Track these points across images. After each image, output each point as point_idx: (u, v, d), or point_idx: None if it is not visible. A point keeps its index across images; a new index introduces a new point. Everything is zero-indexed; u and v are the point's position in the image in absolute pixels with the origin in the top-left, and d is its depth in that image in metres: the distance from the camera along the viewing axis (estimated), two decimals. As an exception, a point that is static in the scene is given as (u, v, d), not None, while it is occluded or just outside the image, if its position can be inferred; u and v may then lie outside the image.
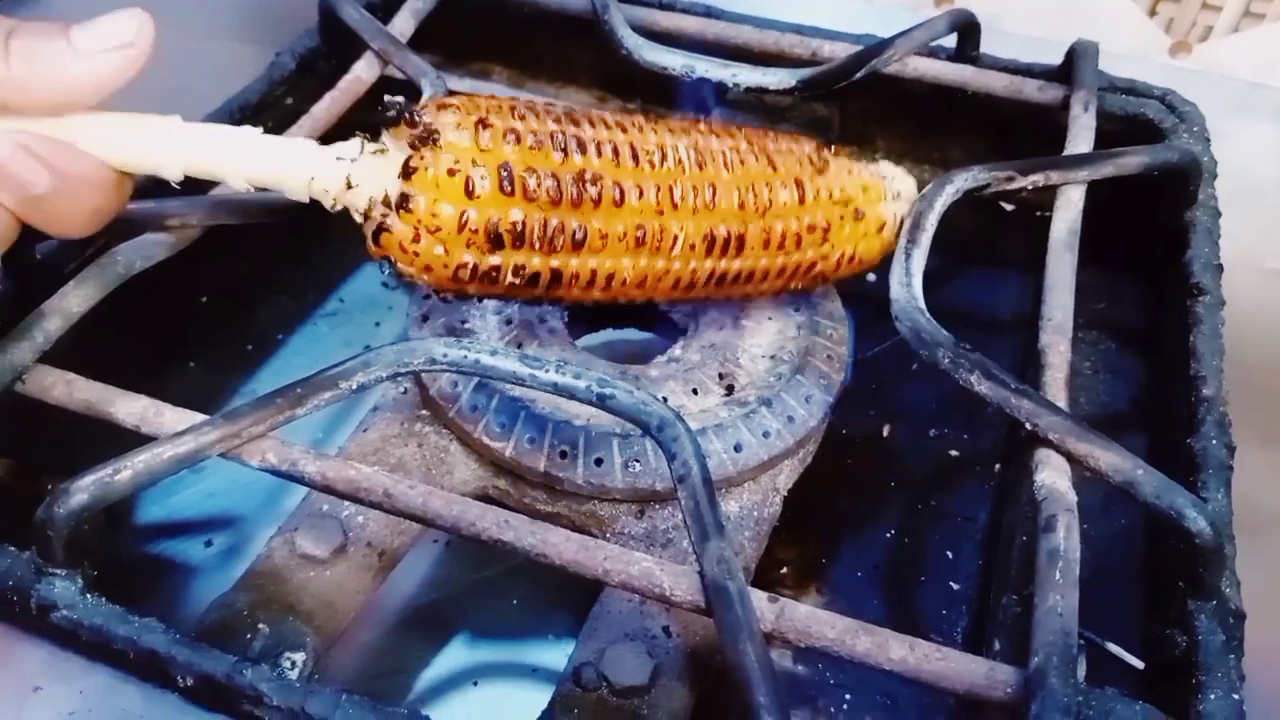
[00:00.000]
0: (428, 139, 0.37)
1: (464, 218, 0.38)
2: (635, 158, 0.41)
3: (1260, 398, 0.50)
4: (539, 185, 0.39)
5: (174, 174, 0.37)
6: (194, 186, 0.52)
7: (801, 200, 0.45)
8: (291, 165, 0.37)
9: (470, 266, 0.39)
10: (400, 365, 0.40)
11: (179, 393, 0.41)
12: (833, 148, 0.47)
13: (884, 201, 0.48)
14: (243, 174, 0.37)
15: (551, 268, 0.40)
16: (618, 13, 0.60)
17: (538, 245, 0.39)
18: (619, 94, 0.73)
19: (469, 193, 0.38)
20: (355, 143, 0.38)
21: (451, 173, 0.37)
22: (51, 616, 0.36)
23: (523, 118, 0.39)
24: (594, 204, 0.40)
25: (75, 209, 0.36)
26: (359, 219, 0.39)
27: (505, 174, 0.38)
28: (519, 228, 0.39)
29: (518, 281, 0.40)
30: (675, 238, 0.42)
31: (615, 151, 0.41)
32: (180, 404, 0.40)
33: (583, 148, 0.40)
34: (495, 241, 0.38)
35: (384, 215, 0.38)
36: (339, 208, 0.38)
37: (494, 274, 0.39)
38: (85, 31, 0.34)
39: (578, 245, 0.40)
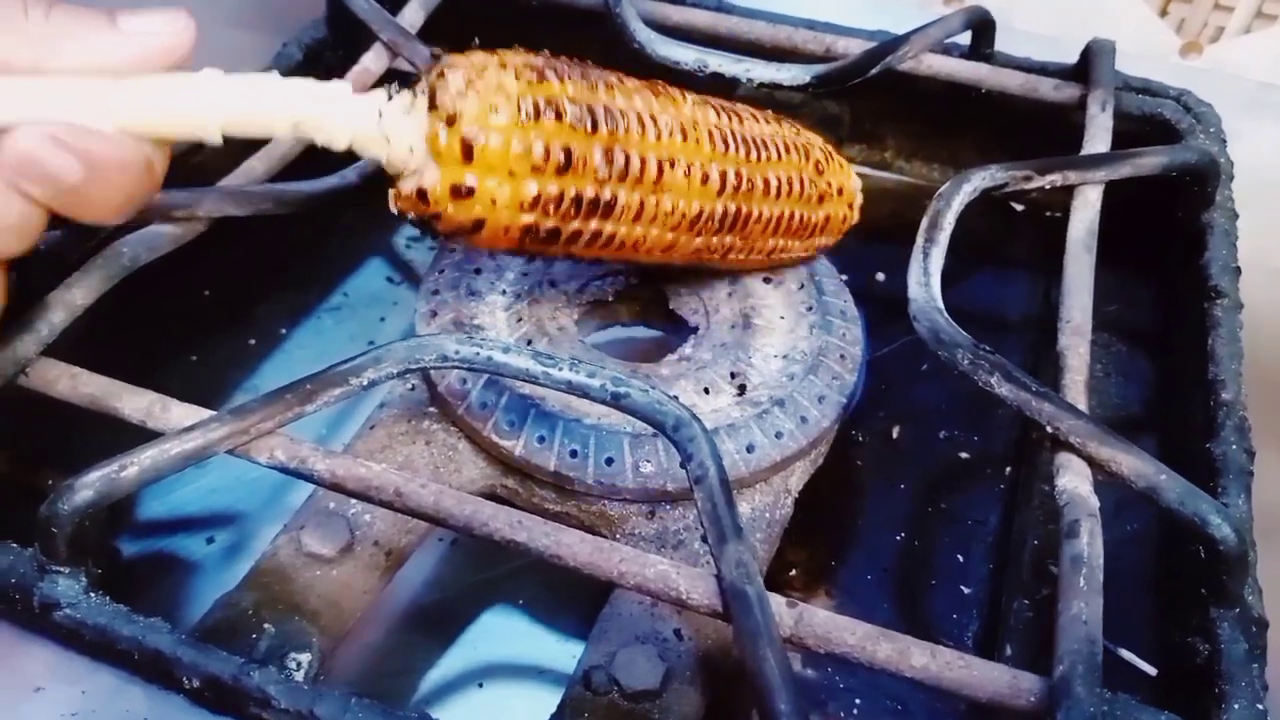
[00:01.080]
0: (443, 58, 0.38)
1: (506, 62, 0.38)
2: (622, 80, 0.43)
3: (1276, 399, 0.49)
4: (561, 65, 0.40)
5: (214, 133, 0.35)
6: (201, 177, 0.53)
7: (779, 122, 0.49)
8: (331, 97, 0.36)
9: (534, 105, 0.38)
10: (412, 361, 0.39)
11: (180, 387, 0.41)
12: None
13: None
14: (286, 117, 0.36)
15: (604, 105, 0.40)
16: (630, 6, 0.59)
17: (585, 93, 0.40)
18: (626, 89, 0.72)
19: (503, 63, 0.38)
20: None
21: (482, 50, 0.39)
22: (54, 615, 0.35)
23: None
24: (612, 88, 0.41)
25: (109, 196, 0.34)
26: (399, 144, 0.37)
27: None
28: (562, 72, 0.39)
29: (588, 128, 0.39)
30: (696, 121, 0.43)
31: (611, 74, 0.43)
32: (181, 398, 0.39)
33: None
34: (540, 78, 0.39)
35: (432, 80, 0.37)
36: (384, 121, 0.37)
37: (558, 111, 0.39)
38: (131, 17, 0.34)
39: (623, 114, 0.41)
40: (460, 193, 0.38)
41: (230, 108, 0.35)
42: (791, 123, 0.50)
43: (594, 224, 0.42)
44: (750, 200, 0.46)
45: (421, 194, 0.38)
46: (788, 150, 0.48)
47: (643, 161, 0.41)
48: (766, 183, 0.46)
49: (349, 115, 0.37)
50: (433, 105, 0.37)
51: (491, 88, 0.37)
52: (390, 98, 0.37)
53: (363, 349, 0.40)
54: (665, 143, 0.42)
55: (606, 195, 0.41)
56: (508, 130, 0.37)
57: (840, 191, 0.51)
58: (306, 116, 0.36)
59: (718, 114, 0.45)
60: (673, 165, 0.42)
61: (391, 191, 0.39)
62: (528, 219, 0.40)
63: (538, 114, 0.38)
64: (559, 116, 0.39)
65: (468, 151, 0.37)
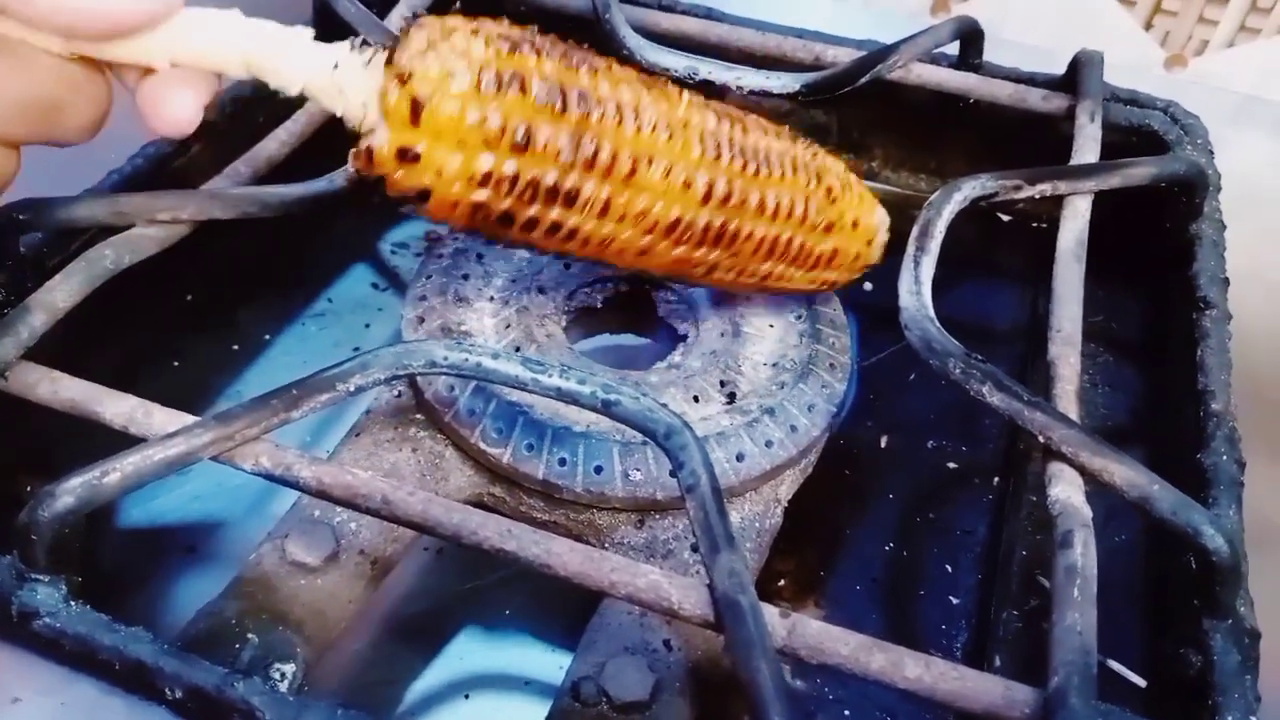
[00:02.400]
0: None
1: (479, 29, 0.36)
2: (612, 68, 0.41)
3: (1265, 410, 0.49)
4: (543, 42, 0.38)
5: (162, 62, 0.34)
6: (185, 181, 0.52)
7: (795, 140, 0.46)
8: (289, 40, 0.35)
9: (498, 77, 0.36)
10: (400, 367, 0.38)
11: (161, 392, 0.40)
12: None
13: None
14: (239, 53, 0.34)
15: (580, 89, 0.38)
16: (619, 13, 0.59)
17: (561, 73, 0.37)
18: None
19: (475, 29, 0.37)
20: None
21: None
22: (33, 625, 0.34)
23: None
24: (596, 73, 0.39)
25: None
26: (353, 98, 0.36)
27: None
28: (540, 48, 0.37)
29: (556, 107, 0.37)
30: (688, 122, 0.41)
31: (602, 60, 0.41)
32: (162, 404, 0.39)
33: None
34: (513, 49, 0.37)
35: (393, 42, 0.36)
36: (340, 72, 0.35)
37: (523, 86, 0.36)
38: None
39: (600, 101, 0.38)
40: (406, 157, 0.36)
41: (182, 38, 0.34)
42: (811, 144, 0.47)
43: (554, 213, 0.39)
44: (741, 216, 0.43)
45: (369, 153, 0.36)
46: (795, 170, 0.44)
47: (614, 154, 0.39)
48: (762, 201, 0.43)
49: (305, 61, 0.35)
50: (390, 62, 0.35)
51: (455, 51, 0.35)
52: (352, 49, 0.36)
53: (347, 355, 0.39)
54: (645, 138, 0.39)
55: (569, 184, 0.38)
56: (463, 98, 0.35)
57: (855, 225, 0.47)
58: (260, 55, 0.35)
59: (718, 119, 0.42)
60: (650, 163, 0.40)
61: (351, 151, 0.38)
62: (478, 196, 0.37)
63: (500, 86, 0.36)
64: (524, 91, 0.36)
65: (415, 112, 0.35)
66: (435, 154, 0.36)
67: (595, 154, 0.38)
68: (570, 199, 0.39)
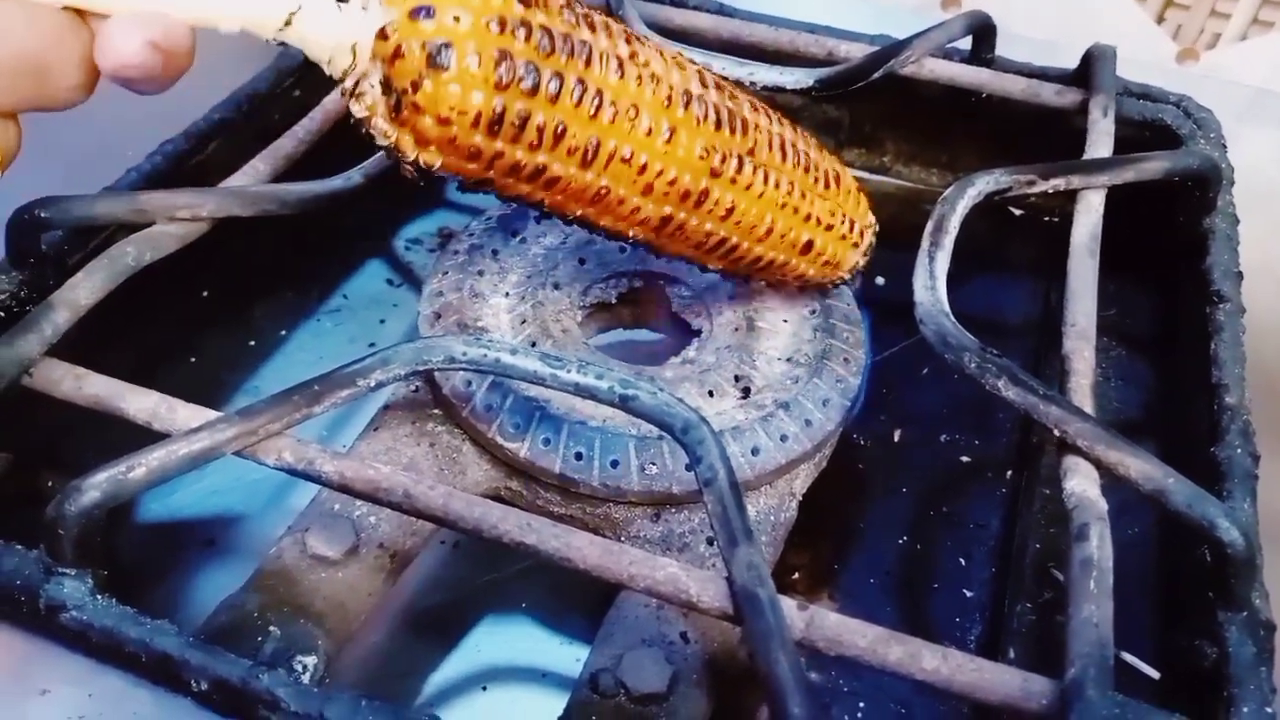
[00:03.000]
0: None
1: None
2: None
3: (1278, 404, 0.49)
4: None
5: (148, 4, 0.32)
6: (202, 178, 0.52)
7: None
8: None
9: (497, 16, 0.35)
10: (419, 363, 0.39)
11: (179, 388, 0.40)
12: None
13: None
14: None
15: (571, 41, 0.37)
16: (632, 9, 0.59)
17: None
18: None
19: None
20: None
21: None
22: (60, 617, 0.35)
23: None
24: (590, 28, 0.38)
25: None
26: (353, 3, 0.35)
27: None
28: None
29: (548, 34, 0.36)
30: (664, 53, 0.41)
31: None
32: (180, 399, 0.39)
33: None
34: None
35: None
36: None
37: (528, 30, 0.36)
38: None
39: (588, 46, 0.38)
40: (420, 15, 0.34)
41: None
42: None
43: (576, 73, 0.37)
44: (738, 122, 0.42)
45: (382, 33, 0.35)
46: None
47: (610, 32, 0.38)
48: (753, 106, 0.44)
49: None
50: None
51: None
52: None
53: (362, 351, 0.39)
54: (637, 45, 0.40)
55: (579, 40, 0.37)
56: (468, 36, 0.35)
57: (849, 192, 0.48)
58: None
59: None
60: (643, 43, 0.40)
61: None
62: (498, 47, 0.35)
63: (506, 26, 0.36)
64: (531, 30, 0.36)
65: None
66: (448, 6, 0.35)
67: (592, 24, 0.38)
68: (587, 56, 0.37)
